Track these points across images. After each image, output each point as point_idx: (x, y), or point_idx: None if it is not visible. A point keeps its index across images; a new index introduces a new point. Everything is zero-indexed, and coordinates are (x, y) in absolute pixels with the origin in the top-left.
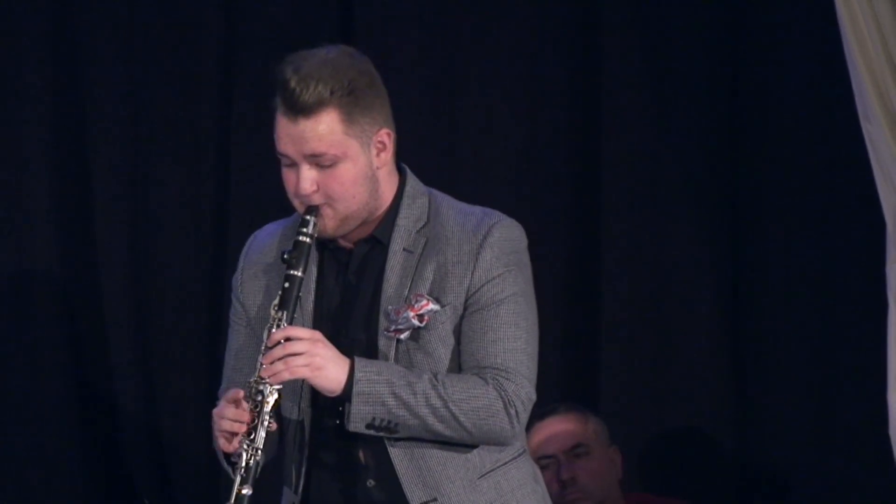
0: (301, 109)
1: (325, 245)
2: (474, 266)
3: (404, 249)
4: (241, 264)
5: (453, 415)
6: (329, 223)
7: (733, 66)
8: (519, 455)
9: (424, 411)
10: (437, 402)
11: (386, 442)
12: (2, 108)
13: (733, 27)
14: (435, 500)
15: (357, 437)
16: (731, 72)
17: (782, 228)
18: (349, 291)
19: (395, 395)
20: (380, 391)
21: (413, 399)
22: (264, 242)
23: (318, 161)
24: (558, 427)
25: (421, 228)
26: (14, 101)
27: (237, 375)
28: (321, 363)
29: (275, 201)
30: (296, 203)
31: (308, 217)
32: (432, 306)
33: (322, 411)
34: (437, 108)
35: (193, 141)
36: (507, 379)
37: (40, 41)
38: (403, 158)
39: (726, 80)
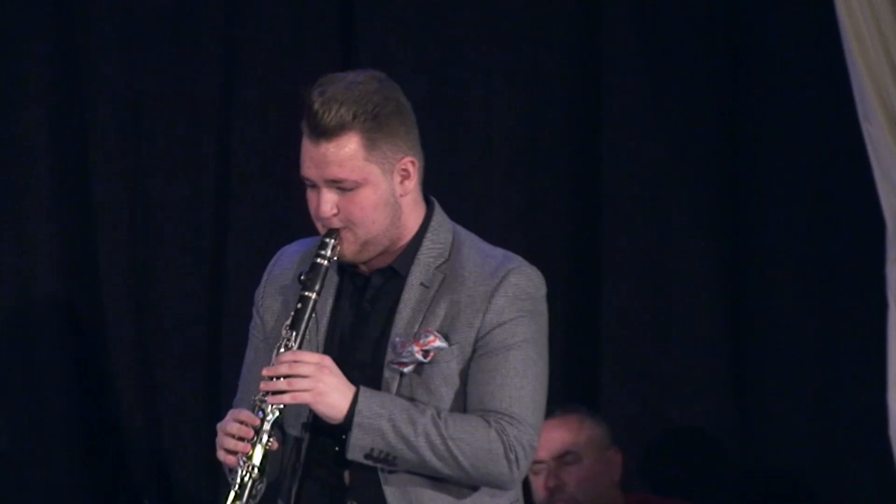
0: (323, 132)
1: (345, 270)
2: (486, 309)
3: (421, 284)
4: (264, 279)
5: (452, 454)
6: (349, 247)
7: (733, 66)
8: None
9: (423, 448)
10: (436, 440)
11: (380, 475)
12: (2, 108)
13: (733, 27)
14: None
15: (350, 462)
16: (731, 71)
17: (782, 228)
18: (362, 319)
19: (396, 430)
20: (380, 424)
21: (413, 435)
22: (289, 260)
23: (339, 185)
24: (550, 433)
25: (441, 265)
26: (14, 101)
27: (249, 389)
28: (324, 389)
29: (275, 202)
30: (318, 225)
31: (327, 240)
32: (439, 343)
33: (322, 434)
34: (437, 108)
35: (194, 142)
36: (510, 424)
37: (40, 41)
38: None
39: (726, 80)
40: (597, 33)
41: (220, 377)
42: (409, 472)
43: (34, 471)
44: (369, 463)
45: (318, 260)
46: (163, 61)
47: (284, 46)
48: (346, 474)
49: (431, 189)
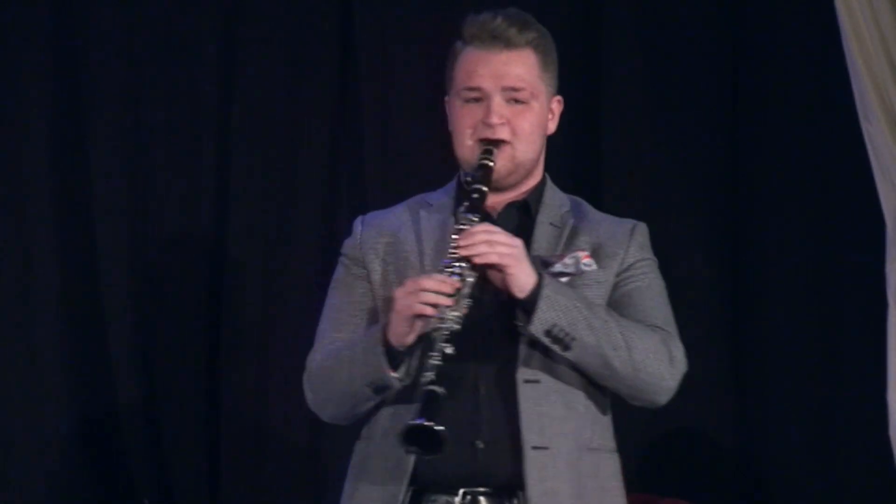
0: (507, 42)
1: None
2: (628, 244)
3: (550, 223)
4: (358, 229)
5: (627, 343)
6: (504, 164)
7: (733, 66)
8: (616, 451)
9: (601, 331)
10: (613, 326)
11: (519, 384)
12: (2, 108)
13: (733, 27)
14: (547, 448)
15: (483, 389)
16: (731, 72)
17: (782, 228)
18: None
19: (577, 309)
20: (565, 302)
21: (593, 317)
22: (378, 216)
23: (515, 95)
24: None
25: (565, 212)
26: (14, 101)
27: (344, 325)
28: (521, 256)
29: (275, 201)
30: (467, 144)
31: (490, 147)
32: (594, 264)
33: (488, 320)
34: (437, 108)
35: (193, 141)
36: (671, 338)
37: (40, 42)
38: (405, 157)
39: (726, 80)
40: (597, 34)
41: (220, 377)
42: (541, 392)
43: (34, 471)
44: (546, 341)
45: (487, 162)
46: (163, 61)
47: (284, 46)
48: (482, 387)
49: (431, 186)
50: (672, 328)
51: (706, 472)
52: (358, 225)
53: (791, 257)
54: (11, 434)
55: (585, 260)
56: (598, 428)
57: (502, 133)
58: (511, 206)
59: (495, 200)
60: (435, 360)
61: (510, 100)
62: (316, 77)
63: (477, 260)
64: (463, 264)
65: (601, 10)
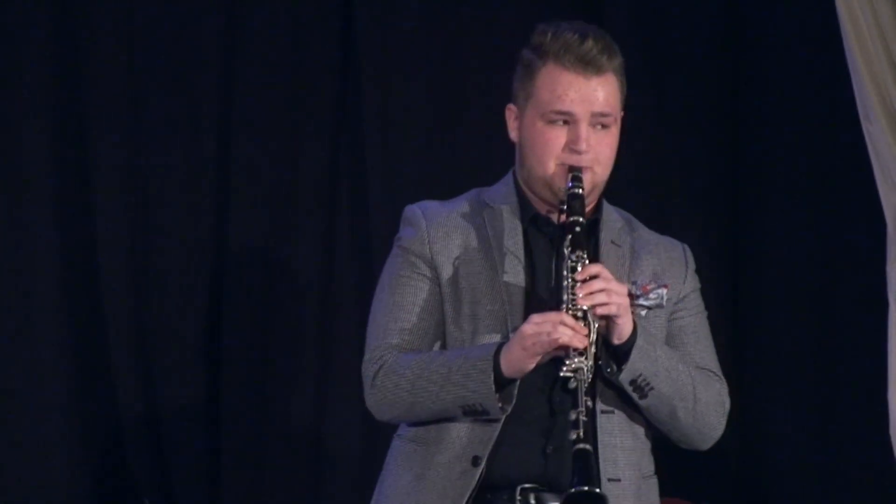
0: (596, 68)
1: (535, 222)
2: (686, 275)
3: (612, 242)
4: (422, 223)
5: (695, 396)
6: (585, 188)
7: (733, 66)
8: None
9: (677, 383)
10: (686, 379)
11: (599, 414)
12: (2, 107)
13: (733, 27)
14: (619, 480)
15: (569, 402)
16: (731, 71)
17: (782, 228)
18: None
19: (663, 360)
20: (654, 351)
21: (674, 369)
22: (440, 211)
23: (602, 121)
24: None
25: (621, 228)
26: (14, 101)
27: (417, 328)
28: (628, 305)
29: (275, 201)
30: (551, 167)
31: (578, 174)
32: (670, 292)
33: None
34: (437, 108)
35: (193, 141)
36: (724, 387)
37: (40, 41)
38: (406, 158)
39: (726, 80)
40: None
41: (220, 377)
42: (615, 423)
43: (34, 471)
44: (629, 389)
45: (577, 190)
46: (163, 61)
47: (284, 46)
48: (553, 423)
49: (432, 188)
50: (719, 370)
51: (706, 472)
52: (420, 218)
53: (791, 257)
54: (12, 434)
55: (668, 293)
56: (649, 455)
57: (585, 161)
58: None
59: (562, 219)
60: (582, 416)
61: (595, 125)
62: (317, 77)
63: (600, 311)
64: (584, 308)
65: (601, 10)
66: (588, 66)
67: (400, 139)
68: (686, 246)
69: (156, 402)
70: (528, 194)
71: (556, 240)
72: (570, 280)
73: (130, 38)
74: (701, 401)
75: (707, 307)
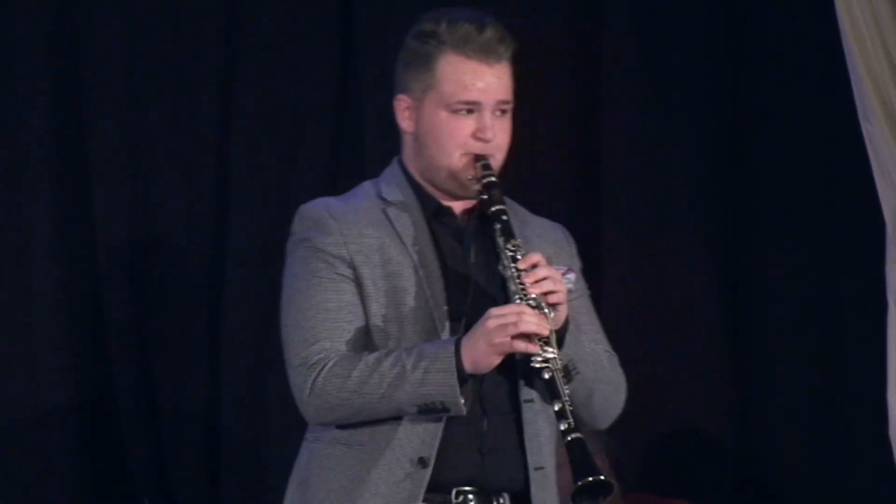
0: (497, 56)
1: (437, 215)
2: (571, 253)
3: None
4: (332, 224)
5: (609, 377)
6: None
7: (733, 66)
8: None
9: (596, 367)
10: (603, 362)
11: (524, 406)
12: (2, 107)
13: (733, 27)
14: (543, 468)
15: (488, 408)
16: (731, 72)
17: (782, 228)
18: (477, 269)
19: (584, 344)
20: (579, 336)
21: (593, 352)
22: (345, 209)
23: (503, 107)
24: None
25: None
26: (14, 101)
27: (347, 330)
28: (566, 292)
29: (275, 200)
30: (455, 156)
31: (487, 161)
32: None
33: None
34: None
35: (193, 140)
36: (618, 364)
37: (40, 41)
38: None
39: (726, 81)
40: (597, 34)
41: (220, 377)
42: (537, 414)
43: (34, 471)
44: (556, 375)
45: (492, 178)
46: (163, 60)
47: (284, 46)
48: (485, 422)
49: None
50: (611, 348)
51: (706, 472)
52: (328, 219)
53: (791, 257)
54: (11, 434)
55: (569, 276)
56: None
57: (493, 148)
58: (470, 213)
59: (456, 206)
60: (568, 406)
61: (496, 112)
62: (317, 77)
63: (551, 299)
64: (535, 297)
65: (601, 10)
66: (490, 54)
67: (400, 138)
68: (563, 226)
69: (156, 402)
70: (426, 186)
71: (460, 231)
72: (513, 270)
73: (130, 38)
74: (613, 381)
75: (707, 307)
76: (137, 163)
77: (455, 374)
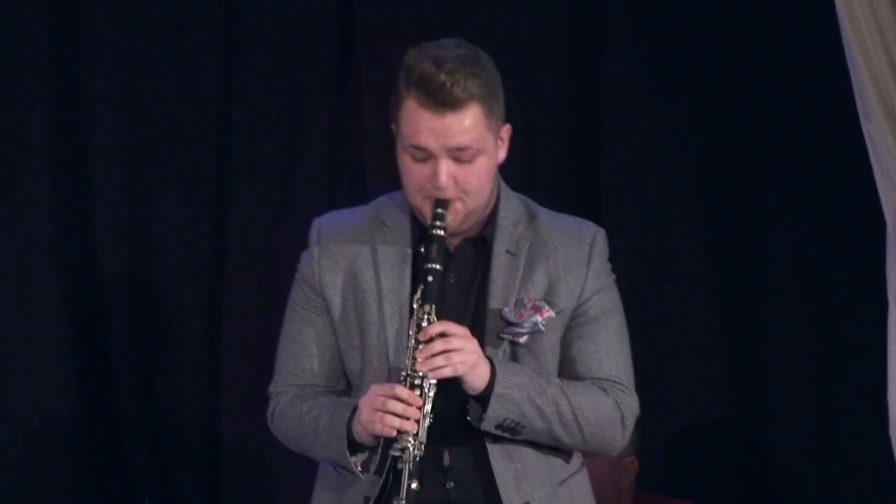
0: (450, 104)
1: (424, 238)
2: (586, 275)
3: (507, 251)
4: (314, 254)
5: (578, 423)
6: (454, 218)
7: (733, 67)
8: (583, 465)
9: (552, 417)
10: (565, 409)
11: (487, 443)
12: (2, 108)
13: (733, 27)
14: (528, 503)
15: (446, 439)
16: (731, 72)
17: (782, 228)
18: (451, 291)
19: (530, 400)
20: (516, 395)
21: (545, 404)
22: (339, 232)
23: (460, 155)
24: None
25: (521, 230)
26: (14, 102)
27: (302, 366)
28: (476, 360)
29: (275, 200)
30: (417, 198)
31: (441, 210)
32: (551, 313)
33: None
34: None
35: (194, 141)
36: (623, 392)
37: (40, 41)
38: None
39: (726, 81)
40: (597, 34)
41: (220, 377)
42: (514, 441)
43: (34, 471)
44: (497, 432)
45: (438, 232)
46: (163, 61)
47: (284, 46)
48: (445, 455)
49: None
50: (626, 375)
51: (706, 472)
52: (314, 244)
53: (791, 257)
54: (11, 435)
55: (543, 317)
56: (563, 457)
57: (449, 193)
58: (467, 241)
59: (451, 239)
60: (409, 469)
61: (456, 159)
62: (317, 77)
63: (433, 375)
64: (421, 374)
65: (601, 10)
66: (441, 103)
67: None
68: (598, 239)
69: (155, 402)
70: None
71: (446, 253)
72: (413, 341)
73: (130, 38)
74: (588, 422)
75: (707, 307)
76: (137, 162)
77: (345, 441)
